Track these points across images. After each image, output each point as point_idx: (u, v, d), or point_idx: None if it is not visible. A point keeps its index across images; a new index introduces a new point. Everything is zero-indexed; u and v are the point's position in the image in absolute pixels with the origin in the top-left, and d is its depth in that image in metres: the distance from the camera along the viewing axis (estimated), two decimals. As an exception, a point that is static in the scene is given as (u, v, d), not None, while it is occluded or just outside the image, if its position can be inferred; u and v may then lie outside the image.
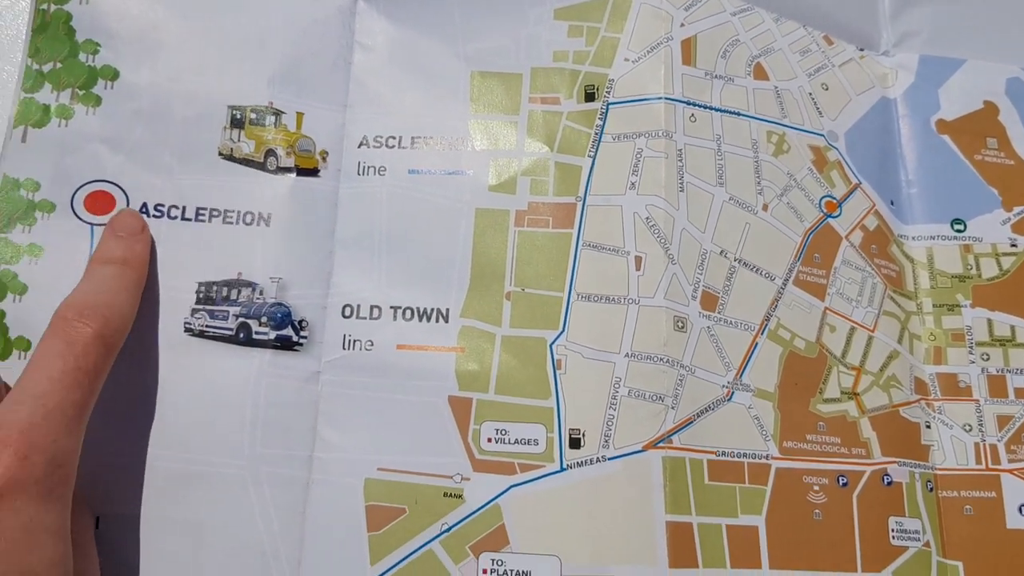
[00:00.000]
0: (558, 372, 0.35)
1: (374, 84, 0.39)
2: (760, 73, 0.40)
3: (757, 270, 0.38)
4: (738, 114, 0.39)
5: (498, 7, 0.40)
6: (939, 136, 0.43)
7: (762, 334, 0.37)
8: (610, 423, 0.34)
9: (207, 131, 0.38)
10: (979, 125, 0.43)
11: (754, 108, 0.40)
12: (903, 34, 0.44)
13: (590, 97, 0.38)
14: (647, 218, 0.36)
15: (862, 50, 0.44)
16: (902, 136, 0.43)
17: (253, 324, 0.36)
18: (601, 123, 0.38)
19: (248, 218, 0.37)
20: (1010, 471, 0.39)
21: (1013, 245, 0.42)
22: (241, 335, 0.35)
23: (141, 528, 0.33)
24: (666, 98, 0.38)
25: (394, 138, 0.39)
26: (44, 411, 0.28)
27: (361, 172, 0.38)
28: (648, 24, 0.39)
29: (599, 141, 0.38)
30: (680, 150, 0.37)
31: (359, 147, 0.38)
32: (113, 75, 0.37)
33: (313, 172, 0.38)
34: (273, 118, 0.38)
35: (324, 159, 0.38)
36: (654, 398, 0.34)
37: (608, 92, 0.38)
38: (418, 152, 0.38)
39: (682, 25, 0.39)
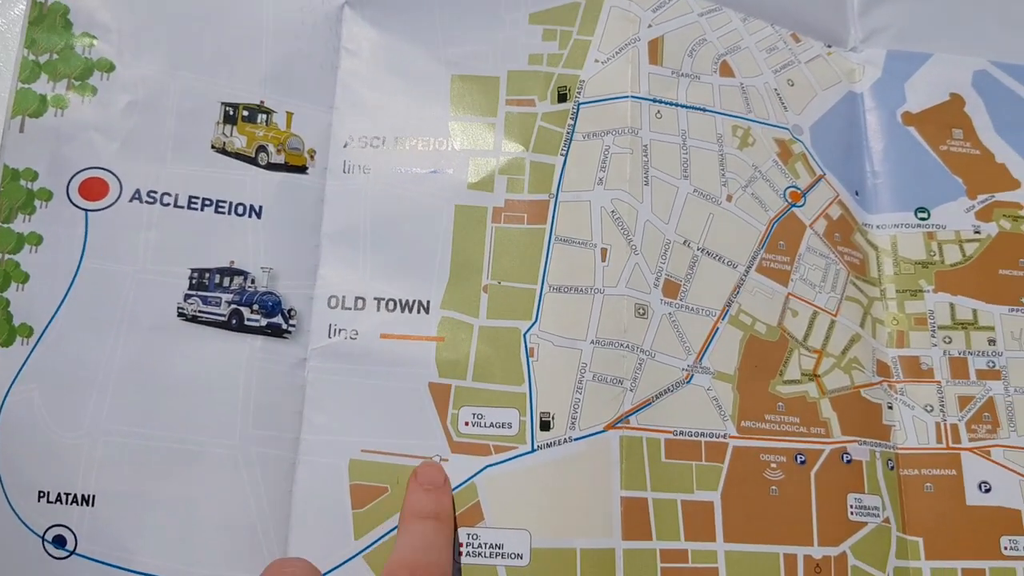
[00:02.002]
0: (531, 360, 0.35)
1: (359, 87, 0.39)
2: (726, 71, 0.40)
3: (720, 258, 0.37)
4: (704, 110, 0.39)
5: (476, 12, 0.39)
6: (905, 128, 0.42)
7: (723, 319, 0.36)
8: (576, 406, 0.34)
9: (201, 125, 0.38)
10: (945, 116, 0.42)
11: (720, 104, 0.39)
12: (871, 31, 0.43)
13: (562, 98, 0.38)
14: (612, 211, 0.36)
15: (830, 47, 0.43)
16: (868, 128, 0.42)
17: (245, 311, 0.36)
18: (572, 123, 0.38)
19: (240, 209, 0.37)
20: (970, 449, 0.38)
21: (976, 232, 0.41)
22: (233, 321, 0.36)
23: (136, 505, 0.33)
24: (632, 96, 0.38)
25: (378, 138, 0.39)
26: None
27: (346, 170, 0.38)
28: (617, 26, 0.39)
29: (571, 140, 0.38)
30: (646, 146, 0.37)
31: (344, 147, 0.39)
32: (109, 67, 0.37)
33: (301, 169, 0.38)
34: (264, 116, 0.38)
35: (312, 157, 0.38)
36: (614, 381, 0.34)
37: (579, 92, 0.38)
38: (400, 152, 0.38)
39: (649, 26, 0.39)
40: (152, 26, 0.38)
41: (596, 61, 0.38)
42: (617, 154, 0.37)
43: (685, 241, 0.37)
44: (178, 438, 0.34)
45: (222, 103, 0.38)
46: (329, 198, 0.38)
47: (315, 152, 0.39)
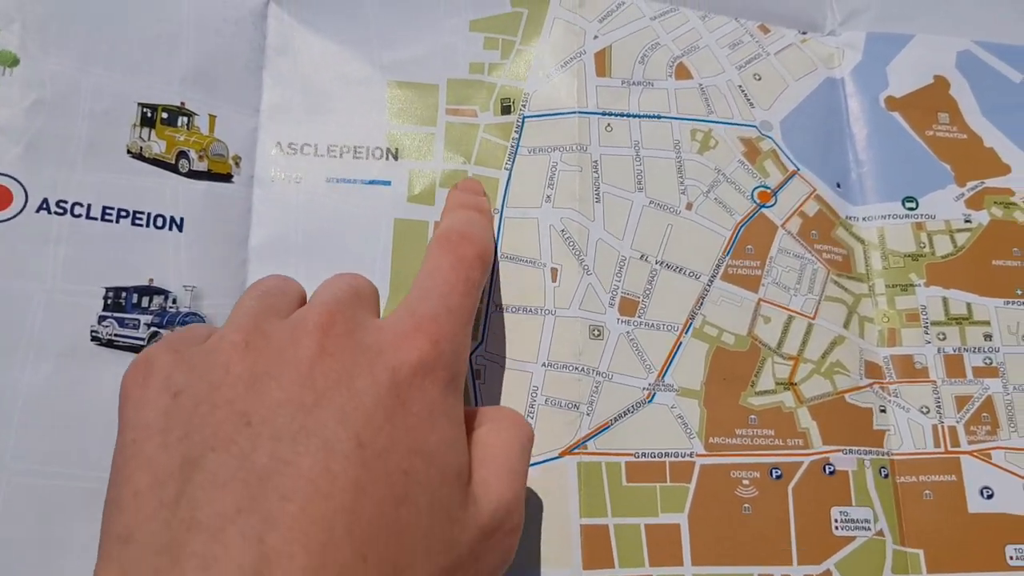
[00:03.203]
0: (477, 382, 0.34)
1: (287, 89, 0.37)
2: (683, 73, 0.38)
3: (680, 270, 0.36)
4: (658, 117, 0.37)
5: (414, 16, 0.38)
6: (888, 113, 0.40)
7: (686, 333, 0.35)
8: None
9: (116, 127, 0.34)
10: (930, 100, 0.40)
11: (676, 109, 0.38)
12: (849, 12, 0.41)
13: (506, 110, 0.37)
14: (562, 230, 0.35)
15: (804, 33, 0.41)
16: (850, 116, 0.40)
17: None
18: (517, 136, 0.37)
19: (159, 221, 0.34)
20: (970, 453, 0.36)
21: (967, 221, 0.38)
22: None
23: (46, 553, 0.30)
24: (579, 112, 0.37)
25: (309, 145, 0.37)
26: (447, 308, 0.28)
27: (275, 179, 0.36)
28: (562, 39, 0.38)
29: (515, 154, 0.37)
30: (596, 161, 0.36)
31: (273, 153, 0.37)
32: (12, 61, 0.34)
33: (226, 178, 0.36)
34: (185, 119, 0.36)
35: (237, 164, 0.36)
36: (569, 406, 0.33)
37: (524, 106, 0.37)
38: (335, 160, 0.37)
39: (595, 37, 0.38)
40: (61, 17, 0.35)
41: (541, 74, 0.38)
42: (565, 171, 0.36)
43: (642, 256, 0.36)
44: (94, 476, 0.31)
45: (139, 104, 0.35)
46: (257, 209, 0.36)
47: (240, 159, 0.36)
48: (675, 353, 0.35)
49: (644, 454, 0.33)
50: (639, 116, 0.37)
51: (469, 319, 0.29)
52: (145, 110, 0.35)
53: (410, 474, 0.24)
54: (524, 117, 0.37)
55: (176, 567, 0.21)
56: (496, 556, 0.27)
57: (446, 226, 0.32)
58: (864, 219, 0.39)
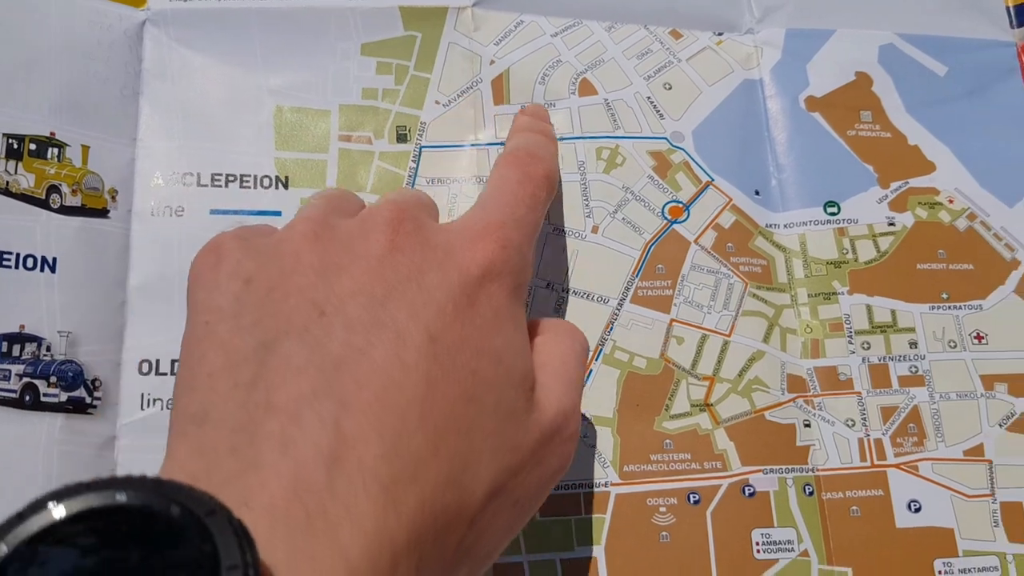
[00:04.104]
0: None
1: (166, 116, 0.36)
2: (587, 89, 0.38)
3: (588, 296, 0.36)
4: (561, 139, 0.37)
5: (303, 39, 0.37)
6: (809, 114, 0.39)
7: (596, 360, 0.35)
8: None
9: None
10: (852, 98, 0.39)
11: (580, 128, 0.37)
12: (767, 8, 0.41)
13: (402, 139, 0.37)
14: (464, 262, 0.35)
15: (720, 34, 0.40)
16: (769, 119, 0.39)
17: (41, 385, 0.32)
18: (415, 166, 0.37)
19: (29, 262, 0.32)
20: (897, 466, 0.35)
21: (891, 224, 0.38)
22: (27, 398, 0.31)
23: None
24: (475, 145, 0.36)
25: (191, 175, 0.35)
26: (514, 219, 0.28)
27: (155, 213, 0.35)
28: (456, 66, 0.38)
29: (413, 184, 0.36)
30: (495, 189, 0.36)
31: (152, 184, 0.35)
32: None
33: (102, 213, 0.34)
34: (56, 150, 0.34)
35: (114, 198, 0.34)
36: (476, 442, 0.33)
37: (420, 135, 0.37)
38: (219, 190, 0.35)
39: (492, 62, 0.38)
40: None
41: (437, 103, 0.37)
42: (466, 203, 0.36)
43: (548, 284, 0.36)
44: None
45: (4, 135, 0.33)
46: (136, 245, 0.34)
47: (117, 192, 0.34)
48: (585, 381, 0.35)
49: (557, 487, 0.33)
50: (540, 138, 0.37)
51: (534, 233, 0.30)
52: (11, 141, 0.34)
53: (478, 373, 0.24)
54: (421, 147, 0.37)
55: (253, 445, 0.21)
56: (555, 461, 0.27)
57: (513, 145, 0.33)
58: (785, 226, 0.38)
